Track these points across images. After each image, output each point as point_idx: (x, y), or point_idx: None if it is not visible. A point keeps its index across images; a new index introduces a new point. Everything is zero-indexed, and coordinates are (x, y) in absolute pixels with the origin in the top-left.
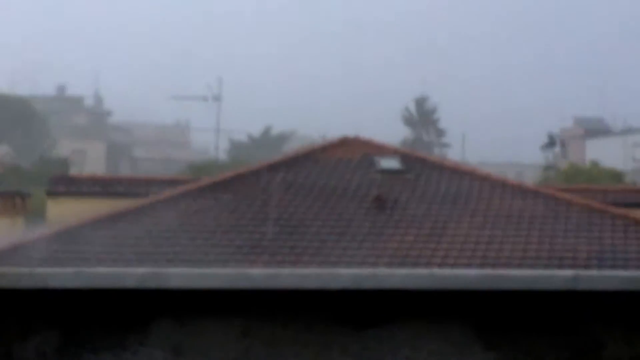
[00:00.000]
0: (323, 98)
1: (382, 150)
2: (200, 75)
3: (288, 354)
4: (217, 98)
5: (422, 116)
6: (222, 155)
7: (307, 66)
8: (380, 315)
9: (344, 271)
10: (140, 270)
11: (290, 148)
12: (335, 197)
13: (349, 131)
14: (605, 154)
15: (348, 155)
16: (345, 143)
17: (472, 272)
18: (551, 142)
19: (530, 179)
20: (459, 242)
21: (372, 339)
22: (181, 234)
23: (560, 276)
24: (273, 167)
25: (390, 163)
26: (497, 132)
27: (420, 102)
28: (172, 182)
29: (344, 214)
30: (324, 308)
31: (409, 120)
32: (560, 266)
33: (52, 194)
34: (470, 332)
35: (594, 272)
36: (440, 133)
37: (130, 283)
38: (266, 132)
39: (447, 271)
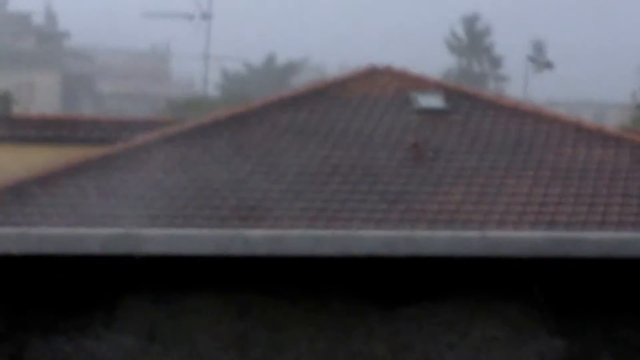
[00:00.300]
0: (343, 17)
1: (421, 84)
2: None
3: (297, 340)
4: (207, 16)
5: (472, 40)
6: (213, 91)
7: None
8: (416, 290)
9: (369, 233)
10: (105, 231)
11: (301, 81)
12: (360, 144)
13: (378, 60)
14: None
15: (376, 90)
16: (372, 75)
17: (536, 235)
18: None
19: (613, 122)
20: (519, 202)
21: (406, 320)
22: (160, 192)
23: None
24: (278, 106)
25: (431, 101)
26: (571, 61)
27: (470, 22)
28: (147, 125)
29: (372, 167)
30: (344, 281)
31: (454, 46)
32: None
33: None
34: (533, 312)
35: None
36: (496, 62)
37: (92, 248)
38: (270, 60)
39: (503, 233)
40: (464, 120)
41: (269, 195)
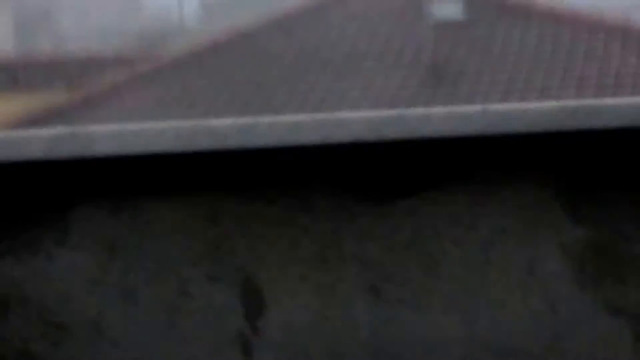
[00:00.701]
0: None
1: None
2: None
3: (278, 245)
4: None
5: None
6: (191, 22)
7: None
8: (412, 179)
9: (356, 115)
10: (49, 132)
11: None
12: (367, 65)
13: None
14: None
15: (383, 1)
16: None
17: (546, 106)
18: None
19: None
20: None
21: (402, 216)
22: None
23: None
24: (268, 30)
25: (449, 10)
26: None
27: None
28: (117, 62)
29: (383, 91)
30: (329, 173)
31: None
32: None
33: None
34: (552, 199)
35: None
36: None
37: (35, 151)
38: None
39: (511, 107)
40: (489, 32)
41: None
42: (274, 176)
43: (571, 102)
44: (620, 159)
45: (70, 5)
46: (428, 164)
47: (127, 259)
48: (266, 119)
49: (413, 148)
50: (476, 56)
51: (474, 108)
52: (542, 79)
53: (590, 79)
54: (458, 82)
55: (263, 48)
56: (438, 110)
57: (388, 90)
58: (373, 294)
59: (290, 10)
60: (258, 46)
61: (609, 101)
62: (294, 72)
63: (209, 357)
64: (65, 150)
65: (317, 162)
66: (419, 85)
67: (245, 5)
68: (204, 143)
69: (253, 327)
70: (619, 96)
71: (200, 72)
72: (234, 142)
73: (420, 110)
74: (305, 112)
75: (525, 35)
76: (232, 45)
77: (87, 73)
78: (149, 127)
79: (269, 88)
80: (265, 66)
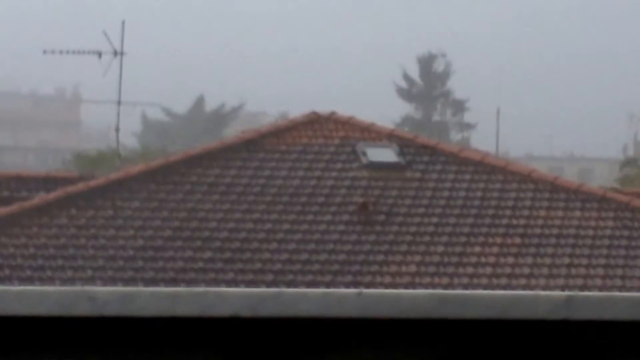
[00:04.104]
0: (282, 57)
1: (371, 133)
2: (91, 18)
3: None
4: (118, 52)
5: (429, 83)
6: (130, 142)
7: (255, 8)
8: (288, 356)
9: (231, 291)
10: None
11: (233, 131)
12: (300, 205)
13: (322, 107)
14: None
15: (319, 140)
16: (314, 122)
17: (422, 294)
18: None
19: (600, 180)
20: (485, 274)
21: None
22: (62, 262)
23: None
24: (204, 159)
25: (382, 154)
26: (552, 108)
27: (426, 62)
28: (49, 182)
29: (313, 231)
30: (208, 344)
31: (407, 91)
32: None
33: None
34: None
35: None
36: (458, 108)
37: None
38: (197, 106)
39: (384, 292)
40: (421, 177)
41: (190, 266)
42: (149, 343)
43: (442, 292)
44: (490, 348)
45: (5, 121)
46: (303, 341)
47: None
48: (146, 290)
49: (289, 325)
50: (407, 199)
51: (350, 291)
52: (469, 226)
53: (517, 228)
54: (388, 223)
55: (197, 177)
56: (314, 291)
57: (318, 227)
58: None
59: (228, 141)
60: (192, 174)
61: (479, 293)
62: (225, 203)
63: None
64: None
65: (195, 333)
66: (349, 225)
67: (190, 127)
68: (84, 309)
69: None
70: (542, 246)
71: (133, 197)
72: (113, 309)
73: (297, 290)
74: (236, 243)
75: (457, 181)
76: (167, 172)
77: (19, 190)
78: (31, 289)
79: (200, 217)
80: (198, 195)
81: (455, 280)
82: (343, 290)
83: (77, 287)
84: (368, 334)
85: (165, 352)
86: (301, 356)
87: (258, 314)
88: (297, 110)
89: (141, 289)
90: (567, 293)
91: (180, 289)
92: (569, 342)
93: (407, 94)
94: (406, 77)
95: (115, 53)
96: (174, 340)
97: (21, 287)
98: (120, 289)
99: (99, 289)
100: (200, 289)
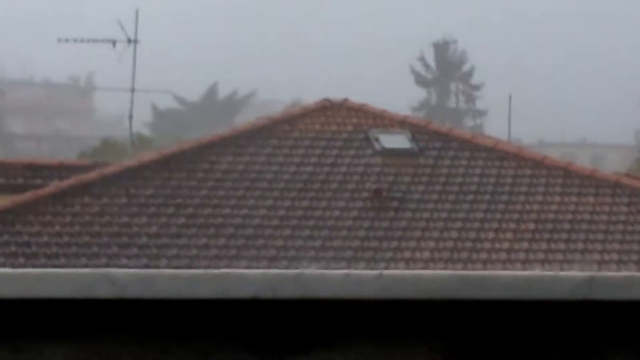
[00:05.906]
0: (296, 46)
1: (384, 120)
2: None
3: None
4: (132, 40)
5: (444, 70)
6: (143, 130)
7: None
8: (306, 338)
9: (252, 273)
10: None
11: (246, 118)
12: (312, 192)
13: (335, 93)
14: None
15: (332, 127)
16: (326, 110)
17: (444, 275)
18: None
19: (613, 166)
20: (499, 259)
21: None
22: (75, 250)
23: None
24: (217, 147)
25: (395, 140)
26: (564, 95)
27: (442, 49)
28: (62, 170)
29: (327, 218)
30: (225, 326)
31: (422, 77)
32: None
33: None
34: None
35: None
36: (472, 95)
37: None
38: (210, 94)
39: (405, 273)
40: (434, 163)
41: (204, 254)
42: (170, 326)
43: (463, 272)
44: (509, 329)
45: (20, 108)
46: (322, 324)
47: None
48: (165, 272)
49: (309, 307)
50: (421, 185)
51: (370, 272)
52: (482, 212)
53: (531, 214)
54: (401, 209)
55: (210, 164)
56: (335, 272)
57: (332, 214)
58: None
59: (240, 128)
60: (205, 162)
61: (500, 273)
62: (238, 191)
63: None
64: None
65: (214, 315)
66: (363, 211)
67: (202, 115)
68: (104, 291)
69: None
70: (556, 232)
71: (146, 185)
72: (133, 292)
73: (317, 272)
74: (249, 230)
75: (470, 167)
76: (181, 159)
77: (33, 178)
78: (51, 272)
79: (213, 204)
80: (211, 183)
81: (470, 266)
82: (363, 271)
83: (97, 270)
84: (388, 315)
85: (185, 333)
86: (320, 338)
87: (278, 296)
88: (310, 97)
89: (161, 270)
90: (589, 273)
91: (200, 270)
92: (590, 322)
93: (423, 80)
94: (423, 62)
95: (129, 41)
96: (193, 322)
97: (41, 270)
98: (140, 271)
99: (119, 271)
100: (220, 270)
